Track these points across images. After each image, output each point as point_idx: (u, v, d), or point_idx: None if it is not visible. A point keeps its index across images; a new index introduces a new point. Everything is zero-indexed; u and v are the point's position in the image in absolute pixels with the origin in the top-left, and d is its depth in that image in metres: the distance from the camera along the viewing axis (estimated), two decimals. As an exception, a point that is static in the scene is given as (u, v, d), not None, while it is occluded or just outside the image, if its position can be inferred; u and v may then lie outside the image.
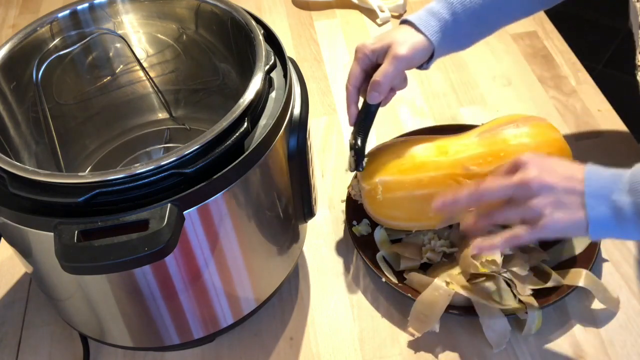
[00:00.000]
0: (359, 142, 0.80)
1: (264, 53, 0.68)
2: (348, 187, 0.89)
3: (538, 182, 0.64)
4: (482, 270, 0.77)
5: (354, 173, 0.91)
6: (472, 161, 0.78)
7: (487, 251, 0.72)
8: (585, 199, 0.63)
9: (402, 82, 0.80)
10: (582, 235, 0.65)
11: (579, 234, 0.65)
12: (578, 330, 0.78)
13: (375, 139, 1.03)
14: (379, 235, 0.86)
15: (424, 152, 0.80)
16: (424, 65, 0.80)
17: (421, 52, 0.77)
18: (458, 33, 0.79)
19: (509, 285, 0.78)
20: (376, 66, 0.78)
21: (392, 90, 0.80)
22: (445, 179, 0.78)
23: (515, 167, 0.68)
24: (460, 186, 0.73)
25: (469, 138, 0.81)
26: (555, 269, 0.80)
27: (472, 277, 0.78)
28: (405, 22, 0.79)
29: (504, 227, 0.76)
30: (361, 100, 0.81)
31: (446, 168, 0.78)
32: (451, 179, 0.78)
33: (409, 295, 0.78)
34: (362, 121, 0.80)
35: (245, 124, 0.62)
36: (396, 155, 0.80)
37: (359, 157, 0.80)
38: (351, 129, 0.81)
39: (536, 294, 0.77)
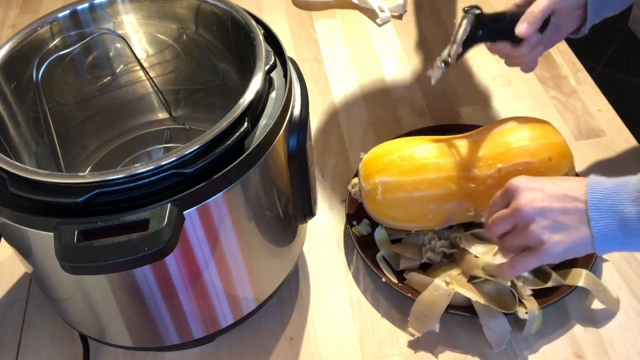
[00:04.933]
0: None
1: (264, 53, 0.68)
2: (348, 186, 0.89)
3: (530, 208, 0.64)
4: (484, 273, 0.77)
5: (354, 172, 0.91)
6: (473, 164, 0.78)
7: (510, 276, 0.74)
8: (588, 213, 0.62)
9: (553, 35, 0.78)
10: (590, 252, 0.64)
11: (586, 251, 0.64)
12: (578, 330, 0.78)
13: (375, 138, 1.03)
14: (379, 235, 0.86)
15: (424, 153, 0.80)
16: (581, 28, 0.78)
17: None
18: None
19: (509, 285, 0.78)
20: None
21: (540, 45, 0.78)
22: (445, 181, 0.78)
23: (507, 195, 0.68)
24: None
25: (469, 140, 0.81)
26: (555, 269, 0.80)
27: (472, 277, 0.78)
28: None
29: None
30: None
31: (446, 170, 0.78)
32: (451, 181, 0.78)
33: (409, 295, 0.78)
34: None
35: (245, 124, 0.62)
36: (396, 156, 0.80)
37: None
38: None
39: (536, 294, 0.77)
